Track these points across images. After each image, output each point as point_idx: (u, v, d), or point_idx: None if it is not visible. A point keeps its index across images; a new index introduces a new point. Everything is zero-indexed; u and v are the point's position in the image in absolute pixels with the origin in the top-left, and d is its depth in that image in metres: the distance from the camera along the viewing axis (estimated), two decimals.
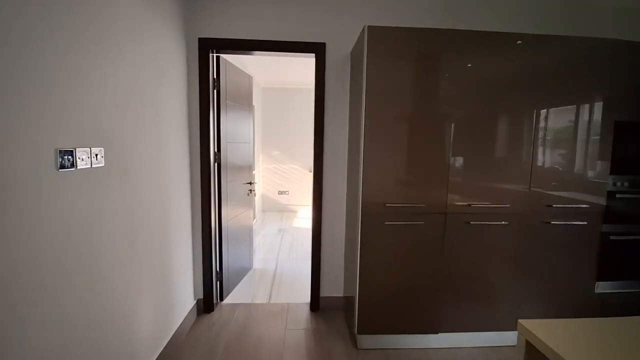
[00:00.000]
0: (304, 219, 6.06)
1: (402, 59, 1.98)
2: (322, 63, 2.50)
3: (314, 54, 2.50)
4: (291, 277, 3.43)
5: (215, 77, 2.58)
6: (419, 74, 2.00)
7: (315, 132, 2.61)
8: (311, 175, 6.88)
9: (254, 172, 5.62)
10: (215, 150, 2.63)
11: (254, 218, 5.61)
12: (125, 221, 1.59)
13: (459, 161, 2.06)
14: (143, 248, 1.79)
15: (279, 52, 2.48)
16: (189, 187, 2.48)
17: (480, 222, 2.10)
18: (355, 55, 2.30)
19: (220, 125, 2.64)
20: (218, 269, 2.73)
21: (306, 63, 4.61)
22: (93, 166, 1.32)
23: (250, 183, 3.39)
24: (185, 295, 2.44)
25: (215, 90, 2.58)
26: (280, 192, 6.69)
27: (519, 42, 2.01)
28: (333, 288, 2.73)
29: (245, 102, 3.22)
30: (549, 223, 2.15)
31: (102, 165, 1.39)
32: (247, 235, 3.38)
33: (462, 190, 2.08)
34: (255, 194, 3.38)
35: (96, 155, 1.33)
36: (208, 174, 2.53)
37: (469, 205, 2.08)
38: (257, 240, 4.71)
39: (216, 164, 2.65)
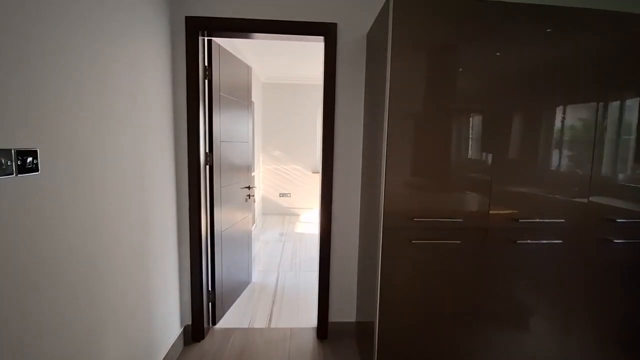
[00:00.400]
0: (307, 224, 5.67)
1: (438, 39, 1.58)
2: (333, 47, 2.11)
3: (322, 37, 2.11)
4: (294, 293, 3.04)
5: (206, 64, 2.20)
6: (459, 58, 1.61)
7: (324, 131, 2.23)
8: (315, 177, 6.55)
9: (253, 174, 5.24)
10: (207, 150, 2.25)
11: (254, 223, 5.23)
12: (78, 242, 1.20)
13: (504, 166, 1.67)
14: (109, 272, 1.40)
15: (282, 34, 2.09)
16: (175, 193, 2.10)
17: (529, 241, 1.71)
18: (374, 38, 1.91)
19: (212, 121, 2.26)
20: (210, 288, 2.35)
21: (311, 54, 4.21)
22: (19, 175, 0.94)
23: (249, 187, 3.01)
24: (169, 321, 2.06)
25: (206, 81, 2.20)
26: (282, 195, 6.31)
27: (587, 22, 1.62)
28: (344, 312, 2.34)
29: (243, 95, 2.83)
30: (612, 241, 1.76)
31: (38, 173, 1.00)
32: (245, 245, 2.99)
33: (507, 202, 1.69)
34: (254, 199, 3.01)
35: (25, 159, 0.95)
36: (197, 178, 2.14)
37: (516, 220, 1.69)
38: (257, 247, 4.32)
39: (208, 167, 2.27)
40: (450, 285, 1.72)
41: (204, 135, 2.20)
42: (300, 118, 6.14)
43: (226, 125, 2.51)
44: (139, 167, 1.64)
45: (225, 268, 2.55)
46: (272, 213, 6.29)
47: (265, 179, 6.25)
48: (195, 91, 2.08)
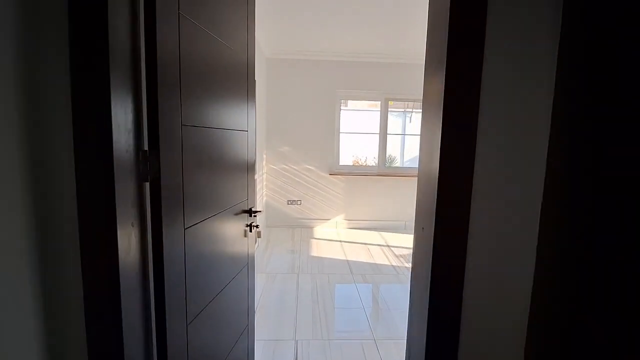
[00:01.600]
0: (326, 242, 4.35)
1: None
2: None
3: None
4: None
5: None
6: None
7: (449, 110, 0.90)
8: (333, 179, 5.14)
9: (256, 178, 3.92)
10: (147, 145, 0.93)
11: (255, 242, 3.92)
12: None
13: None
14: None
15: None
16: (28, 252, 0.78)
17: None
18: None
19: (157, 65, 0.92)
20: None
21: (337, 14, 2.81)
22: None
23: (251, 212, 1.69)
24: None
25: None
26: (291, 202, 4.98)
27: None
28: None
29: (234, 37, 1.49)
30: None
31: None
32: (238, 316, 1.67)
33: None
34: (259, 231, 1.72)
35: None
36: (104, 220, 0.81)
37: None
38: (259, 287, 3.01)
39: (147, 186, 0.94)
40: None
41: (133, 110, 0.87)
42: (317, 104, 4.79)
43: (198, 87, 1.18)
44: None
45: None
46: (279, 225, 4.97)
47: (269, 182, 4.92)
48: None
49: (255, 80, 1.78)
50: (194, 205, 1.15)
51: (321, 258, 3.77)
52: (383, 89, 4.82)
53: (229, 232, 1.48)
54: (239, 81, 1.53)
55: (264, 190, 4.78)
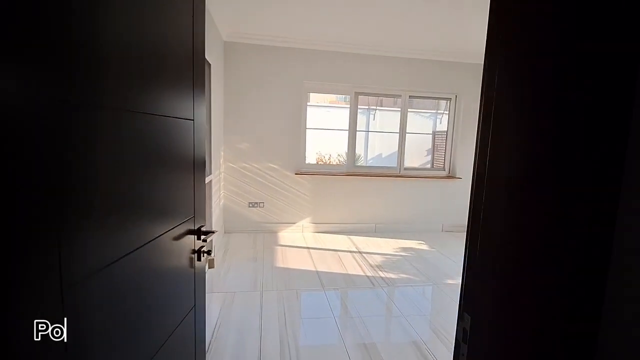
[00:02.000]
0: (292, 249, 3.91)
1: None
2: None
3: None
4: None
5: None
6: None
7: None
8: (299, 180, 4.71)
9: (210, 179, 3.37)
10: None
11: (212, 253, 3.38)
12: None
13: None
14: None
15: None
16: None
17: None
18: None
19: None
20: None
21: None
22: None
23: (200, 235, 1.21)
24: None
25: None
26: (252, 205, 4.47)
27: None
28: None
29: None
30: None
31: None
32: None
33: None
34: (211, 259, 1.25)
35: None
36: None
37: None
38: (214, 312, 2.49)
39: None
40: None
41: None
42: (282, 97, 4.31)
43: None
44: None
45: None
46: (239, 230, 4.44)
47: (228, 182, 4.37)
48: None
49: (206, 64, 1.29)
50: (90, 238, 0.66)
51: (288, 270, 3.32)
52: (352, 82, 4.47)
53: (164, 266, 1.00)
54: (179, 62, 1.05)
55: (222, 192, 4.22)
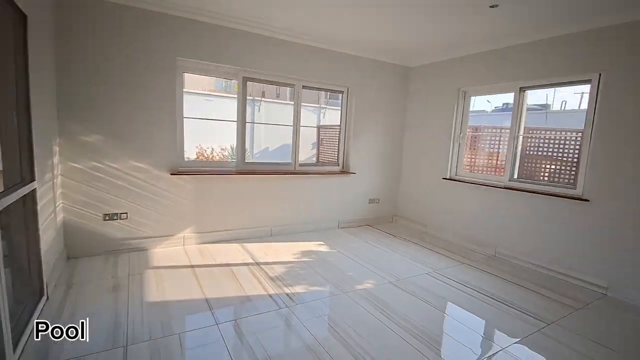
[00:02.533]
0: (171, 270, 3.06)
1: None
2: None
3: None
4: None
5: None
6: None
7: None
8: (175, 180, 3.68)
9: (29, 188, 2.24)
10: None
11: (42, 296, 2.30)
12: None
13: None
14: None
15: None
16: None
17: None
18: None
19: None
20: None
21: None
22: None
23: None
24: None
25: None
26: (110, 217, 3.37)
27: None
28: None
29: None
30: None
31: None
32: None
33: None
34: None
35: None
36: None
37: None
38: None
39: None
40: None
41: None
42: (147, 74, 3.32)
43: None
44: None
45: None
46: (89, 253, 3.28)
47: (69, 189, 3.15)
48: None
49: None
50: None
51: (165, 303, 2.52)
52: (241, 65, 3.82)
53: None
54: None
55: (59, 203, 3.01)
